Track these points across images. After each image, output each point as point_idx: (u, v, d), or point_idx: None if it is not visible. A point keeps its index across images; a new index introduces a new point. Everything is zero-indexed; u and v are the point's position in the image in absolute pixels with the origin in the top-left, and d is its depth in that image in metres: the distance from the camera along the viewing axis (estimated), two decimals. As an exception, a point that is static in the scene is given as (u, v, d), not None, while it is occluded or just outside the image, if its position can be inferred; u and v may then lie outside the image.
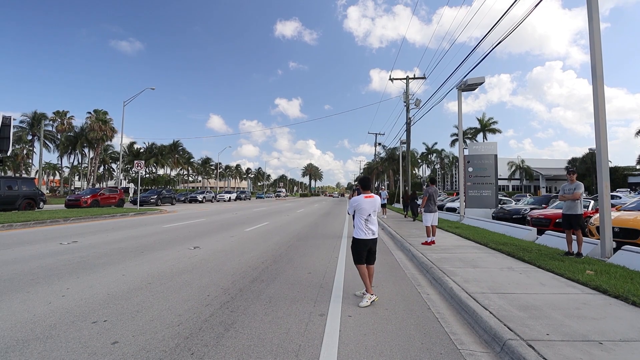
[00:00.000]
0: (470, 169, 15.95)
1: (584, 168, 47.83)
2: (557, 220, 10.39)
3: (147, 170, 64.69)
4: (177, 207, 28.87)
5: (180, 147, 71.73)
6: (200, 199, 39.23)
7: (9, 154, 26.69)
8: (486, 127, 54.67)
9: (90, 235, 10.03)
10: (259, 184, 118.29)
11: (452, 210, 20.56)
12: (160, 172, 73.61)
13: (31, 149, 52.39)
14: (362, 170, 77.15)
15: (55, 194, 53.48)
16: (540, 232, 9.64)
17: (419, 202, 17.62)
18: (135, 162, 23.71)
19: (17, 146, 48.08)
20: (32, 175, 49.31)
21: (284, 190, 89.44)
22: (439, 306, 4.18)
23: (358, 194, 4.49)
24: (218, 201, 43.52)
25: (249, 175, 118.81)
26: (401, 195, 24.46)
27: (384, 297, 4.46)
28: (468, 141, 50.00)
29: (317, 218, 18.03)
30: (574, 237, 6.56)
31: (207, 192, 44.13)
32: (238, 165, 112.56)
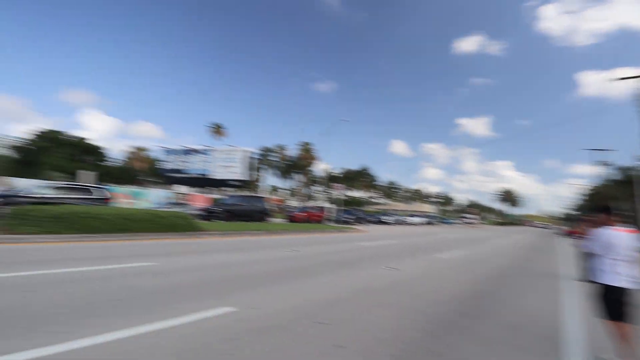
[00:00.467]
0: None
1: None
2: None
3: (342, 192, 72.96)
4: (368, 227, 30.78)
5: (367, 172, 77.27)
6: (388, 221, 40.60)
7: (249, 178, 35.23)
8: None
9: (306, 246, 11.92)
10: (441, 208, 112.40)
11: None
12: (352, 194, 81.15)
13: (260, 175, 68.37)
14: (584, 196, 61.21)
15: (278, 210, 67.45)
16: None
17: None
18: (336, 185, 27.02)
19: (254, 172, 63.99)
20: (262, 194, 63.96)
21: (472, 216, 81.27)
22: None
23: (593, 226, 3.52)
24: (405, 224, 43.85)
25: (433, 198, 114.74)
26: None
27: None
28: None
29: (524, 251, 15.37)
30: None
31: (393, 214, 45.26)
32: (420, 189, 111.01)
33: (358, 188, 78.55)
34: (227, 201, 24.08)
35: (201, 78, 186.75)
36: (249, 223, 19.89)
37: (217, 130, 57.24)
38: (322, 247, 12.09)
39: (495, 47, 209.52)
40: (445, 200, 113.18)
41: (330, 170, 75.47)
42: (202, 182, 38.17)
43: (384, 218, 41.42)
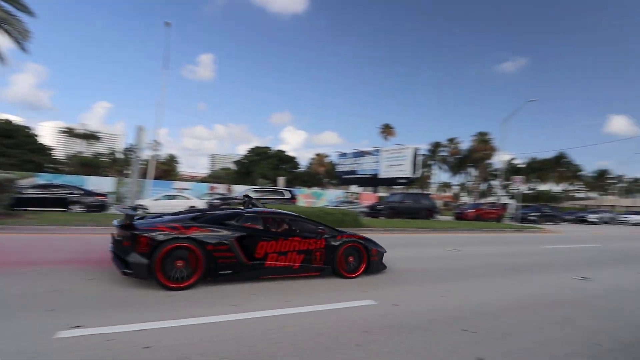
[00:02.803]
0: None
1: None
2: None
3: (526, 186, 61.89)
4: (562, 227, 25.17)
5: (565, 160, 62.74)
6: (591, 220, 32.12)
7: (417, 176, 34.91)
8: None
9: (470, 246, 10.91)
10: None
11: None
12: (542, 187, 67.90)
13: (431, 171, 65.75)
14: None
15: (448, 207, 63.59)
16: None
17: None
18: (514, 178, 23.43)
19: (422, 170, 62.14)
20: (432, 192, 61.61)
21: None
22: None
23: None
24: (619, 224, 33.59)
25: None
26: None
27: None
28: None
29: None
30: None
31: (601, 211, 35.45)
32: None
33: (552, 180, 65.12)
34: (391, 199, 24.51)
35: (373, 82, 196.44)
36: (412, 220, 19.64)
37: (387, 130, 58.98)
38: (490, 248, 10.77)
39: None
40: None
41: (512, 161, 65.58)
42: (373, 181, 40.10)
43: (585, 216, 32.94)
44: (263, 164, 53.98)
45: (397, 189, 39.81)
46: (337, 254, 5.44)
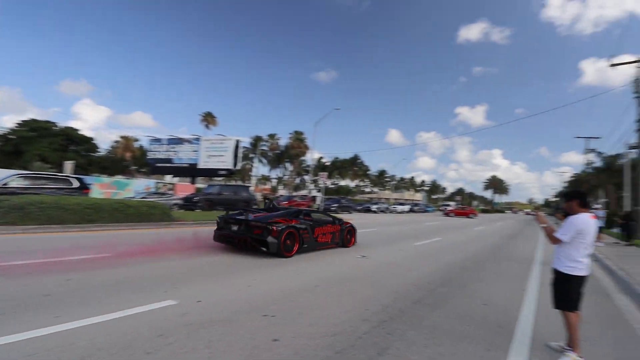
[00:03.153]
0: None
1: None
2: None
3: (330, 181, 72.77)
4: (353, 215, 30.77)
5: (359, 161, 77.36)
6: (374, 209, 40.70)
7: (238, 168, 34.86)
8: None
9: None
10: (433, 196, 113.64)
11: None
12: (342, 183, 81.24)
13: (252, 164, 67.75)
14: (566, 184, 62.13)
15: (263, 199, 66.92)
16: None
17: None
18: (320, 174, 26.88)
19: (243, 162, 63.15)
20: (252, 184, 63.51)
21: (453, 203, 77.45)
22: None
23: (567, 215, 3.40)
24: (391, 212, 44.06)
25: (423, 187, 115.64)
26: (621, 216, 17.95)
27: (596, 360, 3.21)
28: None
29: (500, 239, 15.48)
30: None
31: (380, 203, 45.41)
32: (412, 178, 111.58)
33: (349, 177, 78.72)
34: (209, 190, 23.74)
35: (196, 68, 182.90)
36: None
37: (209, 119, 56.62)
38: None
39: (499, 35, 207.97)
40: (433, 189, 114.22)
41: (321, 160, 75.31)
42: (192, 171, 37.52)
43: (369, 206, 41.50)
44: (43, 143, 41.69)
45: (218, 180, 38.98)
46: (344, 233, 9.17)
